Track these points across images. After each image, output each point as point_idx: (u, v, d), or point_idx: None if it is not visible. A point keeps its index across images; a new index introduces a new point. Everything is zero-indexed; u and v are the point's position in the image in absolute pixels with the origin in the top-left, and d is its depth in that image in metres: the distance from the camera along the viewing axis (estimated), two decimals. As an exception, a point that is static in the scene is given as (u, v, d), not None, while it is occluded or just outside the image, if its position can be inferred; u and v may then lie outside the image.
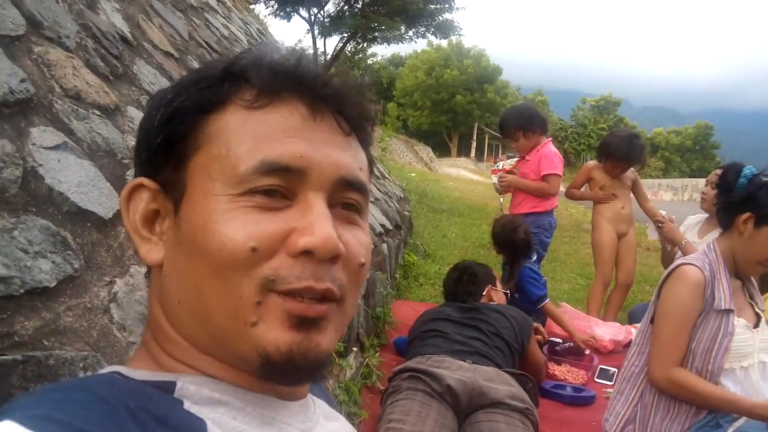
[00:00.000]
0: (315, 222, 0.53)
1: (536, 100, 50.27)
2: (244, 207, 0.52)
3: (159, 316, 0.58)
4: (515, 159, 4.16)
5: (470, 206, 10.35)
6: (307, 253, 0.52)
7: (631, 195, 4.28)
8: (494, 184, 4.18)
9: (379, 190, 4.68)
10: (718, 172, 3.64)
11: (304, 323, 0.53)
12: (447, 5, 30.20)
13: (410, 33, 31.70)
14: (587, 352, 3.30)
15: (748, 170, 2.05)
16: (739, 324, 2.04)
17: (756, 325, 2.10)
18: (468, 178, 24.48)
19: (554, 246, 7.95)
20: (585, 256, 7.21)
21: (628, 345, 3.59)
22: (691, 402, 2.00)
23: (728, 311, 2.01)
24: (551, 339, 3.42)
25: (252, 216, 0.52)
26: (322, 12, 30.39)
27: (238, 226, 0.52)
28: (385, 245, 3.50)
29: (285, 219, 0.53)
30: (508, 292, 3.08)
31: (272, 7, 27.77)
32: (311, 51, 31.58)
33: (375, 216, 3.70)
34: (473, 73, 43.27)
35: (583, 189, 4.39)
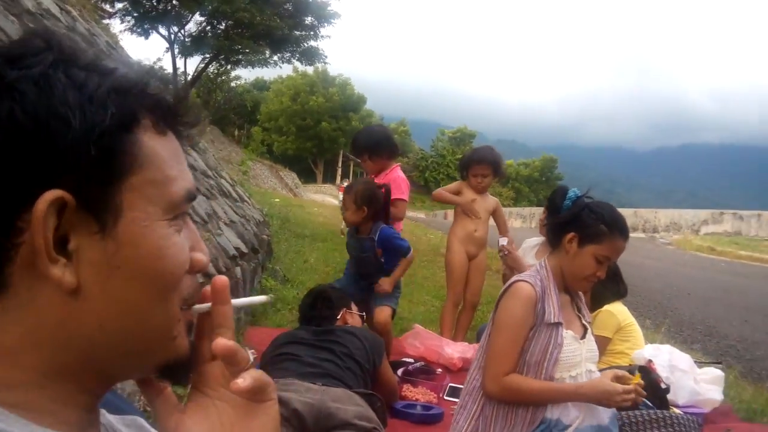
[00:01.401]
0: (200, 242, 0.60)
1: (399, 129, 51.90)
2: (175, 231, 0.56)
3: (16, 343, 0.51)
4: None
5: (333, 231, 10.39)
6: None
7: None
8: (340, 201, 4.21)
9: (236, 212, 4.56)
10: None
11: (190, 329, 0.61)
12: (312, 33, 30.57)
13: (275, 58, 31.68)
14: (438, 371, 3.40)
15: (573, 193, 2.24)
16: (568, 336, 2.20)
17: (583, 337, 2.27)
18: (333, 204, 24.60)
19: (412, 270, 8.13)
20: (441, 279, 7.41)
21: (476, 362, 3.75)
22: (526, 402, 2.12)
23: (557, 324, 2.16)
24: (403, 359, 3.49)
25: (179, 239, 0.56)
26: (182, 31, 29.56)
27: (179, 250, 0.56)
28: (239, 269, 3.41)
29: (185, 240, 0.58)
30: (364, 314, 3.12)
31: (128, 22, 26.57)
32: (170, 70, 30.58)
33: (229, 239, 3.59)
34: (338, 100, 43.85)
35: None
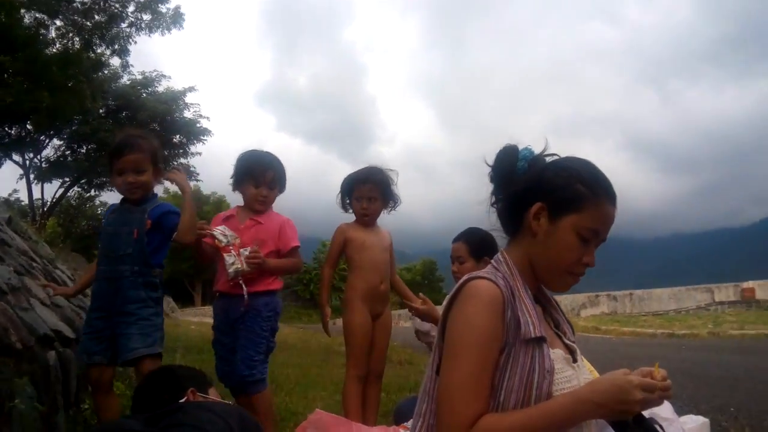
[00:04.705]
0: None
1: (278, 244, 51.03)
2: None
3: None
4: (230, 233, 3.18)
5: (209, 341, 9.21)
6: None
7: None
8: (234, 267, 3.06)
9: (69, 301, 3.51)
10: (455, 245, 3.35)
11: None
12: (182, 150, 29.64)
13: (143, 178, 30.17)
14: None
15: (527, 151, 1.57)
16: (557, 356, 1.45)
17: (574, 360, 1.53)
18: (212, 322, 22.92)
19: (303, 370, 7.24)
20: (337, 375, 6.67)
21: (399, 449, 2.86)
22: None
23: (540, 339, 1.42)
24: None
25: None
26: (39, 157, 27.57)
27: None
28: (53, 353, 2.39)
29: None
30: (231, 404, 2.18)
31: (-25, 150, 24.31)
32: (26, 199, 28.13)
33: (45, 318, 2.60)
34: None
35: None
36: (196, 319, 26.25)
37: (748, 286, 23.64)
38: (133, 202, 2.88)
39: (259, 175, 3.27)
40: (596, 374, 1.63)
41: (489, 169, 1.60)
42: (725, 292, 24.46)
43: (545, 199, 1.49)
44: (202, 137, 28.89)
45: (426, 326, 3.37)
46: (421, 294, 3.23)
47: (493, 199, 1.62)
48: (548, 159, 1.57)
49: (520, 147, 1.57)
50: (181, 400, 1.86)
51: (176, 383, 1.94)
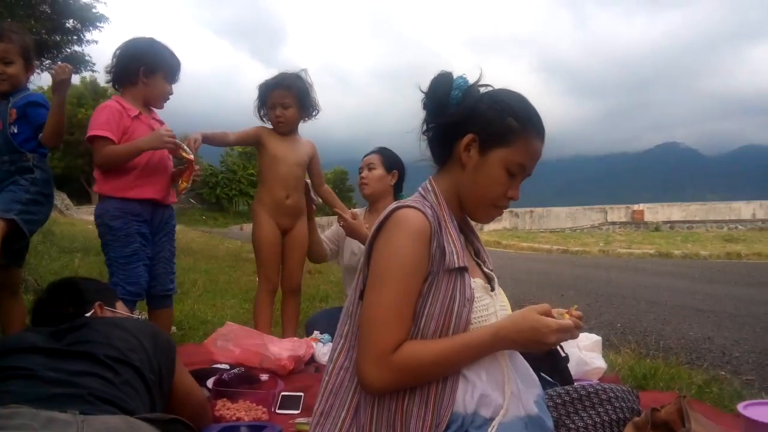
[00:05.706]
0: None
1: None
2: None
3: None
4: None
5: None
6: None
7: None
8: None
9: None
10: (368, 157, 3.31)
11: None
12: (75, 37, 27.12)
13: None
14: (264, 377, 2.49)
15: (461, 80, 1.52)
16: (477, 286, 1.47)
17: (492, 288, 1.57)
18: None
19: (210, 276, 7.12)
20: (246, 283, 6.58)
21: (311, 362, 2.90)
22: (428, 378, 1.37)
23: (462, 270, 1.42)
24: (214, 366, 2.52)
25: None
26: None
27: None
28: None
29: None
30: (142, 316, 2.09)
31: None
32: None
33: None
34: (112, 114, 39.91)
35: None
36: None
37: (638, 209, 25.45)
38: (2, 96, 2.72)
39: (176, 71, 3.02)
40: (507, 301, 1.66)
41: (422, 96, 1.55)
42: (617, 213, 26.23)
43: (477, 131, 1.46)
44: (98, 24, 26.46)
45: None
46: (352, 210, 3.18)
47: (425, 127, 1.57)
48: (482, 90, 1.53)
49: (455, 75, 1.51)
50: (87, 315, 1.75)
51: (81, 296, 1.80)
